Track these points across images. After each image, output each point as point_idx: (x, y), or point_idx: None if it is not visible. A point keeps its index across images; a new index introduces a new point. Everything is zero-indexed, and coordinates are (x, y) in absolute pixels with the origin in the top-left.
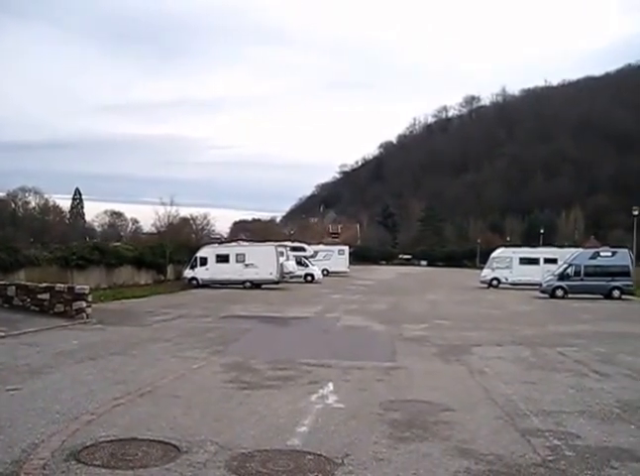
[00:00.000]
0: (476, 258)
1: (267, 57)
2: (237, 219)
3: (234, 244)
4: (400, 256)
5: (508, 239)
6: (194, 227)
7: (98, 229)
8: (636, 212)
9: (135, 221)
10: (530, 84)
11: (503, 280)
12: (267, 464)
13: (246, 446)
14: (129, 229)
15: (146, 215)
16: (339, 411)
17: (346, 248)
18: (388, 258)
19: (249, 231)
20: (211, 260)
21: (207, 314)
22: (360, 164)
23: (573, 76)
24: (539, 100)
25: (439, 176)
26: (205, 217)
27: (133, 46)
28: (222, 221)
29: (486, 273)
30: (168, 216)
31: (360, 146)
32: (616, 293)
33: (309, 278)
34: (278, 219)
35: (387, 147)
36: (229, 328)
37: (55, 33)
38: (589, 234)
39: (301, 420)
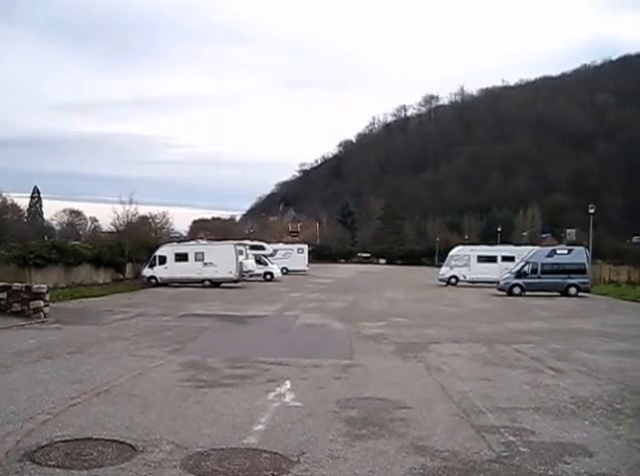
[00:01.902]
0: (434, 256)
1: (228, 55)
2: (196, 218)
3: (193, 243)
4: (359, 254)
5: (467, 237)
6: (153, 226)
7: (57, 228)
8: (592, 210)
9: (94, 220)
10: (488, 84)
11: (461, 278)
12: (223, 463)
13: (202, 445)
14: (88, 228)
15: (105, 214)
16: (296, 409)
17: (305, 246)
18: (348, 256)
19: (208, 230)
20: (170, 259)
21: (165, 313)
22: (319, 162)
23: (530, 76)
24: (497, 100)
25: (398, 174)
26: (164, 216)
27: (91, 44)
28: (181, 220)
29: (445, 271)
30: (127, 215)
31: (319, 144)
32: (573, 290)
33: (268, 276)
34: (238, 218)
35: (347, 146)
36: (187, 327)
37: (11, 30)
38: (547, 232)
39: (258, 419)
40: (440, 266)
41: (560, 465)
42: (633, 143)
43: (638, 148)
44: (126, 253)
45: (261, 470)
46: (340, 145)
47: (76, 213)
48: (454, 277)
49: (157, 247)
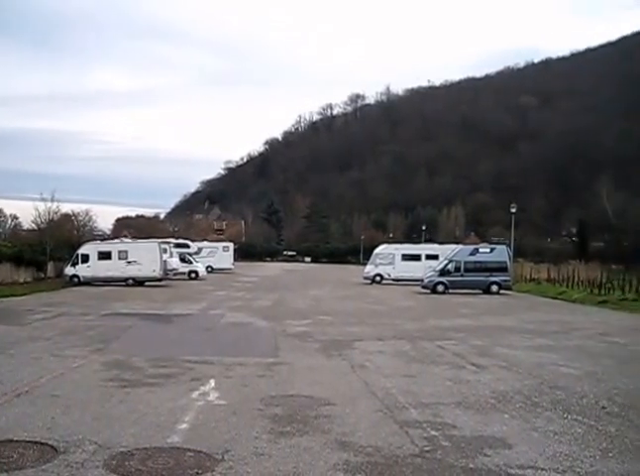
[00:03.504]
0: (360, 254)
1: (154, 51)
2: (120, 216)
3: (116, 241)
4: (285, 252)
5: (391, 235)
6: (76, 224)
7: None
8: (514, 210)
9: (14, 217)
10: (414, 84)
11: (386, 276)
12: (147, 462)
13: (125, 445)
14: (8, 225)
15: (26, 211)
16: (220, 407)
17: (231, 245)
18: (273, 254)
19: (132, 228)
20: (93, 257)
21: (88, 312)
22: (245, 160)
23: (455, 77)
24: (422, 100)
25: (324, 173)
26: (87, 213)
27: (11, 37)
28: (105, 218)
29: (370, 269)
30: (49, 213)
31: (245, 142)
32: (495, 288)
33: (193, 275)
34: (163, 216)
35: (273, 143)
36: (110, 326)
37: None
38: (470, 231)
39: (182, 418)
40: (365, 264)
41: (480, 458)
42: (554, 144)
43: (559, 149)
44: (48, 251)
45: (185, 469)
46: (266, 143)
47: None
48: (379, 275)
49: (79, 245)
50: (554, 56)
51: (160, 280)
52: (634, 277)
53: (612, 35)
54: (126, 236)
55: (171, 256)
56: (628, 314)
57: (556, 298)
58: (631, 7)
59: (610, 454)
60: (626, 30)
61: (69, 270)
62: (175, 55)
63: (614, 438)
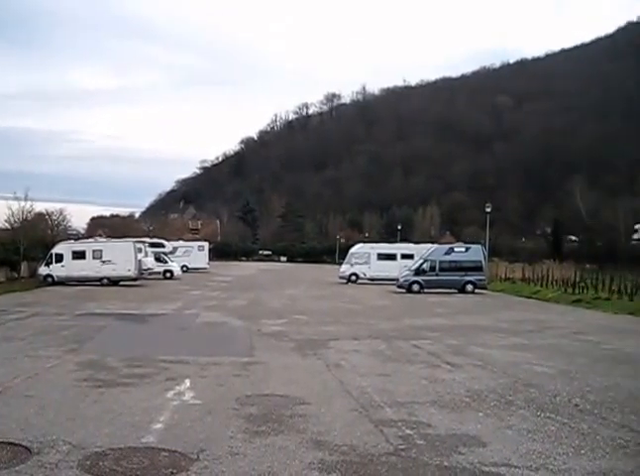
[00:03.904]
0: (335, 254)
1: (127, 50)
2: (95, 215)
3: (91, 240)
4: (261, 252)
5: (367, 235)
6: (50, 223)
7: None
8: (489, 209)
9: None
10: (390, 84)
11: (362, 275)
12: (121, 462)
13: (100, 445)
14: None
15: None
16: (195, 406)
17: (206, 244)
18: (249, 254)
19: (107, 227)
20: (67, 256)
21: (62, 312)
22: (220, 159)
23: (431, 77)
24: (398, 100)
25: (299, 172)
26: (61, 213)
27: None
28: (79, 217)
29: (345, 268)
30: (23, 212)
31: (220, 141)
32: (470, 287)
33: (168, 274)
34: (137, 215)
35: (248, 143)
36: (85, 326)
37: None
38: (445, 230)
39: (157, 417)
40: (341, 263)
41: (454, 456)
42: (529, 144)
43: (534, 149)
44: (21, 251)
45: (159, 468)
46: (241, 142)
47: None
48: (354, 274)
49: (53, 245)
50: (529, 56)
51: (134, 279)
52: (607, 276)
53: (586, 36)
54: (100, 235)
55: (146, 255)
56: (601, 313)
57: (530, 298)
58: (605, 10)
59: (583, 451)
60: (600, 32)
61: (43, 269)
62: (151, 54)
63: (587, 436)
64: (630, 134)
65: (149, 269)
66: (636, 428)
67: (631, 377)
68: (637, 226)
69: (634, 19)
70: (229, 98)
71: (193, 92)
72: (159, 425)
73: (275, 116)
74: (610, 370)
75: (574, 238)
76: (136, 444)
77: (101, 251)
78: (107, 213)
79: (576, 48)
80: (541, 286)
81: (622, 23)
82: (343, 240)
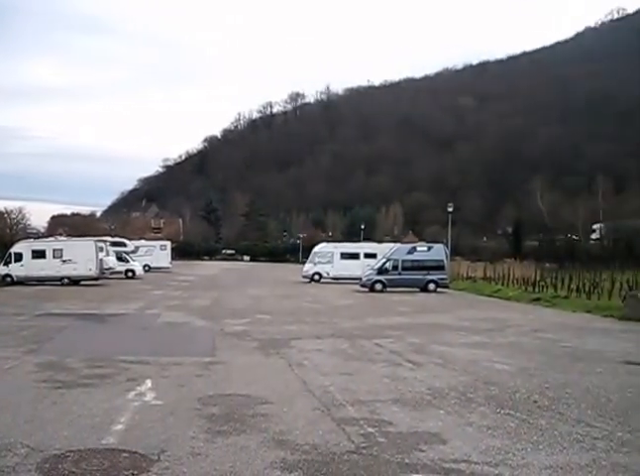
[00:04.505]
0: (298, 253)
1: (89, 46)
2: (55, 213)
3: (51, 239)
4: (224, 251)
5: (330, 234)
6: (9, 222)
7: None
8: (451, 209)
9: None
10: (354, 84)
11: (325, 274)
12: (81, 464)
13: (59, 447)
14: None
15: None
16: (156, 407)
17: (168, 243)
18: (212, 253)
19: (68, 226)
20: (26, 256)
21: (21, 312)
22: (183, 158)
23: (394, 77)
24: (362, 99)
25: (263, 171)
26: (20, 211)
27: None
28: (39, 215)
29: (308, 267)
30: None
31: (184, 140)
32: (432, 286)
33: (130, 274)
34: (99, 214)
35: (212, 141)
36: (44, 326)
37: None
38: (408, 229)
39: (117, 419)
40: (304, 263)
41: (415, 453)
42: (491, 145)
43: (495, 150)
44: None
45: (120, 470)
46: (205, 140)
47: None
48: (317, 273)
49: (12, 244)
50: (491, 58)
51: (96, 279)
52: (566, 275)
53: (547, 40)
54: (61, 234)
55: (108, 254)
56: (560, 311)
57: (491, 296)
58: (565, 14)
59: (541, 447)
60: (560, 36)
61: (2, 269)
62: (113, 50)
63: (545, 431)
64: (590, 136)
65: (110, 268)
66: (592, 423)
67: (588, 373)
68: (595, 226)
69: (592, 24)
70: (193, 96)
71: (157, 90)
72: (119, 427)
73: (239, 115)
74: (568, 367)
75: (534, 237)
76: (96, 446)
77: (62, 250)
78: (68, 212)
79: (537, 51)
80: (502, 284)
81: (581, 28)
82: (306, 239)
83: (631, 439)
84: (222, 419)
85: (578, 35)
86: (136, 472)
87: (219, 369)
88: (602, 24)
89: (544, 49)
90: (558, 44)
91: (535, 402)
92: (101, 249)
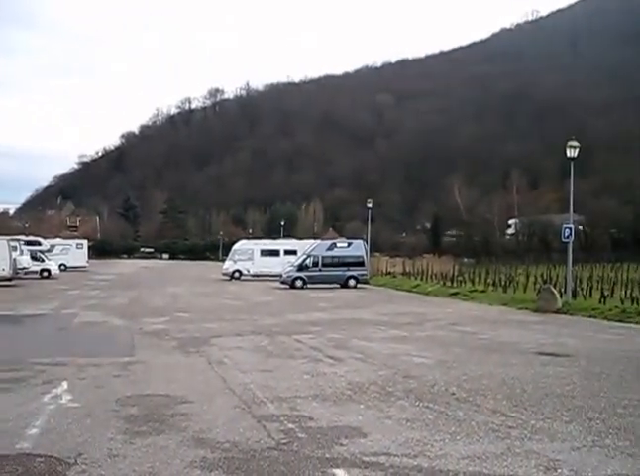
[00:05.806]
0: (218, 250)
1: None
2: None
3: None
4: (142, 249)
5: (250, 231)
6: None
7: None
8: (370, 205)
9: None
10: (274, 80)
11: (245, 271)
12: None
13: None
14: None
15: None
16: (73, 409)
17: (85, 242)
18: (130, 251)
19: None
20: None
21: None
22: (100, 154)
23: (314, 74)
24: (282, 96)
25: (181, 168)
26: None
27: None
28: None
29: (228, 265)
30: None
31: (100, 136)
32: (352, 282)
33: (45, 273)
34: (12, 212)
35: (129, 137)
36: None
37: None
38: (328, 226)
39: (32, 422)
40: (224, 260)
41: (336, 448)
42: (409, 142)
43: (414, 147)
44: None
45: (34, 475)
46: (122, 136)
47: None
48: (237, 271)
49: None
50: (410, 56)
51: (9, 279)
52: (483, 269)
53: (465, 39)
54: None
55: (22, 254)
56: (477, 305)
57: (411, 291)
58: (482, 15)
59: (458, 437)
60: (477, 36)
61: None
62: (22, 42)
63: (462, 422)
64: (505, 134)
65: (24, 268)
66: (507, 413)
67: (503, 365)
68: (510, 221)
69: (508, 26)
70: (109, 91)
71: (71, 84)
72: (34, 431)
73: (157, 110)
74: (484, 359)
75: (452, 233)
76: (9, 452)
77: None
78: None
79: (454, 50)
80: (421, 279)
81: (497, 29)
82: (226, 236)
83: (544, 427)
84: (141, 420)
85: (494, 35)
86: None
87: (138, 369)
88: (517, 25)
89: (461, 48)
90: (474, 44)
91: (453, 394)
92: (14, 248)
